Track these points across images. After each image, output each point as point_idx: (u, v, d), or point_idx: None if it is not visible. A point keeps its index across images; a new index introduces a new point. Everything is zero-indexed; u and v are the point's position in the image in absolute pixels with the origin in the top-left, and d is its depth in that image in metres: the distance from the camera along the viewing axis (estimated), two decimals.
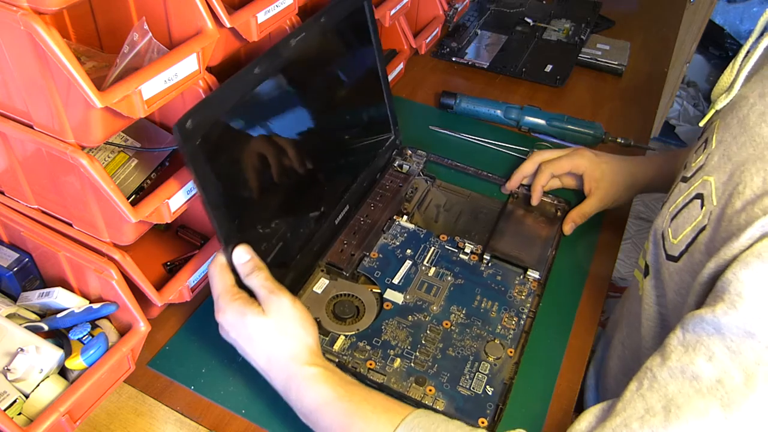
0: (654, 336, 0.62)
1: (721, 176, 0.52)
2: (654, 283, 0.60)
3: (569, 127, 0.99)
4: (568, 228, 0.83)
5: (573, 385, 0.68)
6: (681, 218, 0.56)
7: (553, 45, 1.22)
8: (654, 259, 0.60)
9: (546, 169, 0.84)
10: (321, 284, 0.73)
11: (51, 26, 0.45)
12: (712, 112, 0.61)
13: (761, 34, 0.59)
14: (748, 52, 0.59)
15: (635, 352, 0.69)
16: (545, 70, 1.15)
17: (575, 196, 0.88)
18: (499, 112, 1.02)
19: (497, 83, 1.14)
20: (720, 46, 2.60)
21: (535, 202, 0.85)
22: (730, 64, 0.61)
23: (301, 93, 0.71)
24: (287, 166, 0.71)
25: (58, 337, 0.62)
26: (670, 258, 0.56)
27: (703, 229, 0.52)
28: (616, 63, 1.19)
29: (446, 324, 0.71)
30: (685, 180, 0.58)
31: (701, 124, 0.62)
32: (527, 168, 0.86)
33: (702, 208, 0.53)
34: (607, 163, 0.84)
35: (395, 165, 0.91)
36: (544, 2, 1.37)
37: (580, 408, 0.84)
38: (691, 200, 0.55)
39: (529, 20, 1.28)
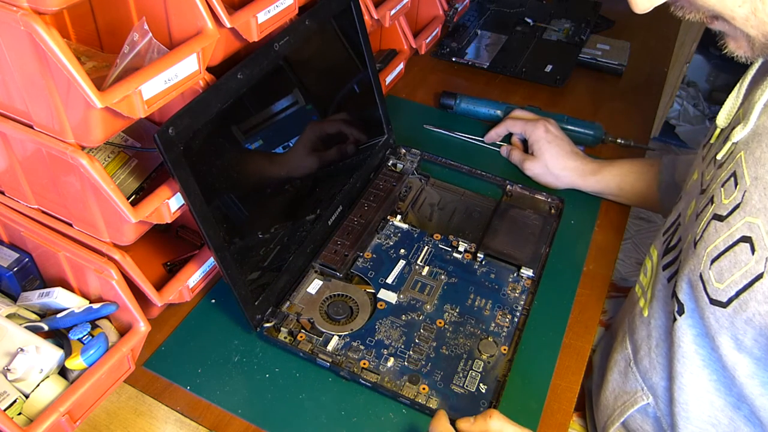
0: (693, 373, 0.61)
1: None
2: (691, 323, 0.59)
3: (569, 127, 0.99)
4: (504, 151, 0.97)
5: (573, 386, 0.68)
6: (725, 261, 0.54)
7: (553, 45, 1.22)
8: (690, 299, 0.59)
9: (506, 122, 0.96)
10: (314, 285, 0.74)
11: (51, 26, 0.45)
12: (729, 144, 0.58)
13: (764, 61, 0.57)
14: (754, 77, 0.58)
15: (648, 375, 0.68)
16: (545, 70, 1.15)
17: (567, 194, 0.89)
18: (499, 112, 1.02)
19: (497, 83, 1.14)
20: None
21: (486, 139, 0.99)
22: (735, 89, 0.59)
23: (288, 96, 0.71)
24: (276, 170, 0.71)
25: (58, 337, 0.62)
26: (716, 303, 0.55)
27: (759, 276, 0.51)
28: (616, 63, 1.19)
29: (440, 323, 0.71)
30: (720, 219, 0.55)
31: (719, 156, 0.60)
32: (501, 129, 0.97)
33: (753, 253, 0.51)
34: (551, 146, 0.90)
35: (389, 164, 0.91)
36: (544, 2, 1.37)
37: (581, 408, 0.84)
38: (735, 243, 0.53)
39: (529, 20, 1.28)
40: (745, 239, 0.52)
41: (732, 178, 0.56)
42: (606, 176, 0.89)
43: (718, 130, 0.63)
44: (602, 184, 0.89)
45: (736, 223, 0.54)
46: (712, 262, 0.55)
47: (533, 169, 0.91)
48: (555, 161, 0.89)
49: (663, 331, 0.66)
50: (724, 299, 0.54)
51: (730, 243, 0.53)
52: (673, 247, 0.67)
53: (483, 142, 0.99)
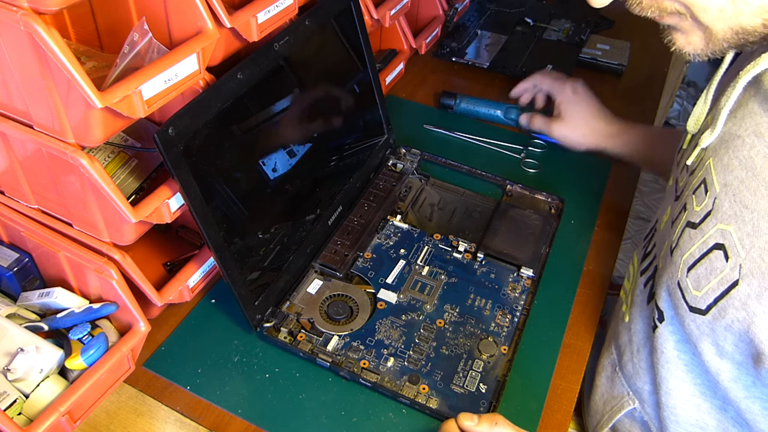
0: (678, 377, 0.61)
1: (741, 226, 0.50)
2: (672, 329, 0.59)
3: None
4: (524, 119, 0.97)
5: (573, 386, 0.68)
6: (701, 269, 0.53)
7: (553, 45, 1.22)
8: (669, 306, 0.59)
9: (534, 77, 0.98)
10: (314, 285, 0.74)
11: (51, 26, 0.45)
12: (698, 149, 0.58)
13: (729, 66, 0.57)
14: (720, 81, 0.58)
15: (632, 380, 0.68)
16: (545, 70, 1.15)
17: (567, 194, 0.89)
18: (499, 112, 1.02)
19: (497, 83, 1.14)
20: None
21: (512, 93, 1.01)
22: (703, 94, 0.59)
23: (288, 96, 0.71)
24: (276, 170, 0.71)
25: (58, 337, 0.62)
26: (695, 310, 0.54)
27: (735, 284, 0.50)
28: (616, 63, 1.19)
29: (440, 323, 0.71)
30: (693, 226, 0.55)
31: (689, 162, 0.60)
32: (528, 84, 0.99)
33: (727, 260, 0.51)
34: (579, 107, 0.91)
35: (389, 164, 0.91)
36: (544, 2, 1.37)
37: (580, 407, 0.84)
38: (709, 250, 0.53)
39: (529, 20, 1.28)
40: (719, 246, 0.52)
41: (702, 185, 0.56)
42: (632, 139, 0.87)
43: (689, 136, 0.63)
44: (629, 147, 0.88)
45: (708, 230, 0.53)
46: (689, 269, 0.55)
47: (560, 130, 0.91)
48: (581, 122, 0.89)
49: (642, 336, 0.66)
50: (703, 306, 0.54)
51: (705, 250, 0.53)
52: (648, 253, 0.67)
53: (483, 142, 0.99)
